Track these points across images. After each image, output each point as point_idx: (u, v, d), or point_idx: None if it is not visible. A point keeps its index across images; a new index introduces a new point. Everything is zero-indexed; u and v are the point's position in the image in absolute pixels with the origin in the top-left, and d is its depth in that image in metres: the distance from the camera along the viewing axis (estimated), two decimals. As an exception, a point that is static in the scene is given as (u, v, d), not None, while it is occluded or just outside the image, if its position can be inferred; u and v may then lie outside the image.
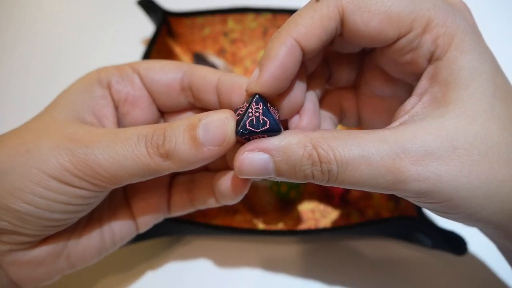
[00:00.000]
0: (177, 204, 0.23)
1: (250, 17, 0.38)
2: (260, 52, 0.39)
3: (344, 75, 0.22)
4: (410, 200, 0.17)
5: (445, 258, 0.28)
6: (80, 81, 0.21)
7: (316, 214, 0.30)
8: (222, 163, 0.22)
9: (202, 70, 0.21)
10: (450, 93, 0.16)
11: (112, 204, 0.22)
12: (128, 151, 0.17)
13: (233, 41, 0.38)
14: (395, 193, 0.16)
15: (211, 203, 0.22)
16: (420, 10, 0.16)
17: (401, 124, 0.16)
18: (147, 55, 0.33)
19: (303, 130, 0.18)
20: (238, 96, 0.19)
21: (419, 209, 0.26)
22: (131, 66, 0.22)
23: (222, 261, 0.29)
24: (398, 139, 0.15)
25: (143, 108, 0.22)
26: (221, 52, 0.39)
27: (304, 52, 0.17)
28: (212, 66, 0.38)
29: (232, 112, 0.18)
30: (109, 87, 0.21)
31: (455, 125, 0.15)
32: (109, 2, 0.51)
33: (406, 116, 0.17)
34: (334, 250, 0.29)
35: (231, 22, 0.38)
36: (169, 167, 0.17)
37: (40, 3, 0.51)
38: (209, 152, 0.17)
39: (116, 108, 0.22)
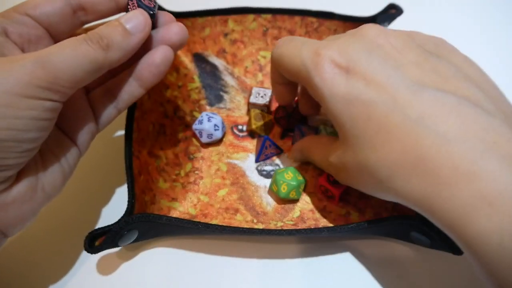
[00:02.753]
0: (103, 113, 0.26)
1: (250, 17, 0.38)
2: (260, 53, 0.39)
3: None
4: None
5: (444, 257, 0.29)
6: None
7: (316, 214, 0.30)
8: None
9: None
10: (335, 125, 0.24)
11: (53, 136, 0.24)
12: (77, 51, 0.20)
13: (233, 42, 0.38)
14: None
15: (136, 92, 0.26)
16: (296, 67, 0.25)
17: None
18: (147, 56, 0.33)
19: None
20: None
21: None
22: (16, 10, 0.23)
23: (222, 261, 0.29)
24: (326, 155, 0.27)
25: (46, 44, 0.24)
26: (221, 53, 0.39)
27: (279, 84, 0.31)
28: (213, 66, 0.39)
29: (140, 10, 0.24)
30: (6, 33, 0.23)
31: (339, 152, 0.24)
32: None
33: None
34: (334, 250, 0.29)
35: (231, 23, 0.38)
36: (111, 57, 0.22)
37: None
38: (137, 38, 0.23)
39: (22, 50, 0.23)
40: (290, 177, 0.30)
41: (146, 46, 0.25)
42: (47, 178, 0.23)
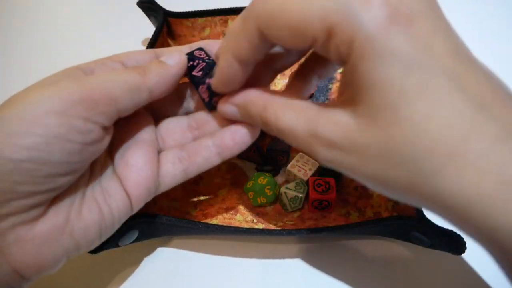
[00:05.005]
0: (168, 173, 0.24)
1: (250, 18, 0.38)
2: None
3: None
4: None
5: (444, 257, 0.29)
6: (60, 73, 0.21)
7: (316, 214, 0.30)
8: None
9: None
10: (357, 95, 0.17)
11: (103, 179, 0.22)
12: (114, 73, 0.21)
13: (233, 42, 0.38)
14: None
15: (212, 159, 0.24)
16: (318, 19, 0.16)
17: (332, 101, 0.19)
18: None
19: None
20: None
21: (418, 209, 0.27)
22: (111, 58, 0.23)
23: (222, 261, 0.29)
24: (316, 122, 0.18)
25: None
26: (221, 53, 0.39)
27: (245, 63, 0.20)
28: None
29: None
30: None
31: (358, 125, 0.17)
32: (109, 3, 0.51)
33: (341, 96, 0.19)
34: (334, 250, 0.29)
35: (231, 23, 0.38)
36: (149, 80, 0.21)
37: (40, 4, 0.51)
38: (173, 68, 0.23)
39: None
40: (251, 184, 0.30)
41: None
42: (80, 224, 0.20)
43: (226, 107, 0.22)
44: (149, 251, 0.29)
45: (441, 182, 0.15)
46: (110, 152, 0.23)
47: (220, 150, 0.23)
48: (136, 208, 0.23)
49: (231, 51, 0.20)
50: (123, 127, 0.23)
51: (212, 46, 0.25)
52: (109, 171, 0.23)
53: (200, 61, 0.24)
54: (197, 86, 0.24)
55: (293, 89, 0.24)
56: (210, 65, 0.23)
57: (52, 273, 0.20)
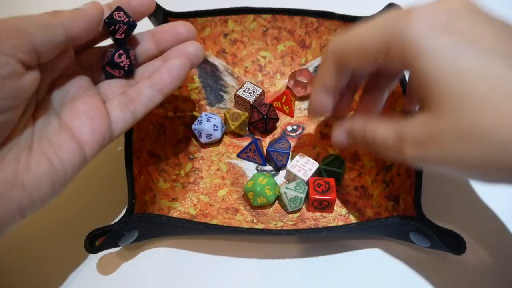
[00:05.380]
0: (120, 118, 0.25)
1: (250, 18, 0.38)
2: (260, 53, 0.39)
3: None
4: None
5: (444, 257, 0.29)
6: None
7: (316, 214, 0.30)
8: None
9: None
10: (423, 93, 0.19)
11: (50, 133, 0.23)
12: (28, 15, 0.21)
13: (233, 42, 0.39)
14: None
15: (155, 96, 0.26)
16: (378, 39, 0.21)
17: (409, 116, 0.21)
18: (147, 56, 0.33)
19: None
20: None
21: (418, 209, 0.27)
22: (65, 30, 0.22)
23: (222, 261, 0.29)
24: (401, 128, 0.21)
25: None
26: (221, 53, 0.39)
27: (333, 90, 0.25)
28: (213, 66, 0.39)
29: None
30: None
31: (431, 118, 0.19)
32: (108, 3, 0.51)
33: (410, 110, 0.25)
34: (334, 250, 0.29)
35: (231, 23, 0.38)
36: (62, 16, 0.22)
37: (40, 3, 0.51)
38: (86, 10, 0.23)
39: None
40: (251, 184, 0.30)
41: (166, 57, 0.27)
42: (30, 177, 0.20)
43: (339, 135, 0.26)
44: (149, 251, 0.29)
45: None
46: (54, 107, 0.24)
47: (160, 87, 0.26)
48: (90, 157, 0.23)
49: (319, 83, 0.25)
50: (65, 84, 0.25)
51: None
52: (55, 125, 0.23)
53: (121, 24, 0.25)
54: (125, 50, 0.26)
55: (371, 104, 0.28)
56: (131, 27, 0.26)
57: (7, 232, 0.20)
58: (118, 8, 0.26)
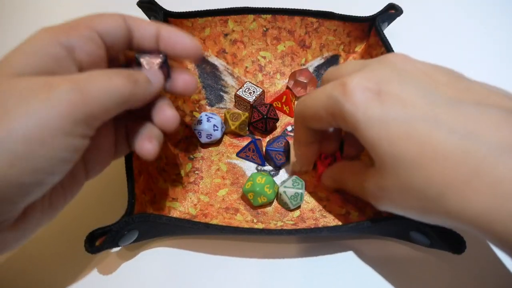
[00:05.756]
0: (121, 149, 0.26)
1: (250, 18, 0.38)
2: (260, 53, 0.39)
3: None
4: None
5: (444, 257, 0.29)
6: (36, 42, 0.20)
7: (315, 213, 0.30)
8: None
9: (142, 22, 0.24)
10: (371, 156, 0.22)
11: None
12: (112, 81, 0.20)
13: (233, 42, 0.39)
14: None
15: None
16: (325, 110, 0.23)
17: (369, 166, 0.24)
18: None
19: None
20: (181, 48, 0.25)
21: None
22: (85, 24, 0.22)
23: (222, 261, 0.29)
24: (362, 183, 0.24)
25: (103, 67, 0.24)
26: (221, 53, 0.39)
27: (306, 145, 0.29)
28: (213, 66, 0.39)
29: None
30: (72, 50, 0.21)
31: (380, 177, 0.22)
32: (109, 3, 0.51)
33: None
34: (334, 250, 0.29)
35: (231, 23, 0.38)
36: (137, 93, 0.22)
37: (40, 3, 0.51)
38: (154, 87, 0.24)
39: (80, 71, 0.22)
40: (250, 184, 0.30)
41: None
42: (46, 204, 0.22)
43: (324, 177, 0.30)
44: (149, 251, 0.29)
45: (444, 203, 0.19)
46: None
47: (159, 126, 0.26)
48: (89, 179, 0.25)
49: (296, 140, 0.29)
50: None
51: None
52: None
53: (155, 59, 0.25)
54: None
55: (352, 148, 0.30)
56: (164, 61, 0.25)
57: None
58: (165, 61, 0.25)
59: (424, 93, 0.21)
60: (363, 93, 0.21)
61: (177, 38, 0.25)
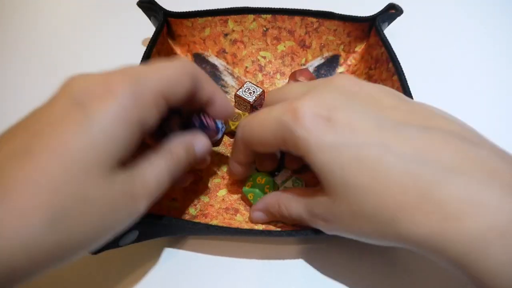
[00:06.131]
0: None
1: (250, 18, 0.38)
2: (260, 53, 0.39)
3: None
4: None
5: (444, 258, 0.29)
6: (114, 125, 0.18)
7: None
8: None
9: (205, 84, 0.24)
10: (321, 181, 0.22)
11: None
12: (166, 169, 0.22)
13: (233, 42, 0.39)
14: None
15: None
16: (274, 135, 0.23)
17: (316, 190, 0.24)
18: (147, 56, 0.33)
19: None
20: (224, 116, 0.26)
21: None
22: (156, 94, 0.20)
23: (222, 261, 0.29)
24: (311, 206, 0.24)
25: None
26: (221, 53, 0.39)
27: (242, 165, 0.29)
28: (213, 66, 0.39)
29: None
30: (143, 125, 0.20)
31: (331, 202, 0.22)
32: (109, 3, 0.51)
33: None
34: (334, 250, 0.29)
35: (231, 23, 0.38)
36: (179, 172, 0.24)
37: (40, 3, 0.51)
38: (199, 161, 0.26)
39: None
40: (250, 185, 0.30)
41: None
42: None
43: (256, 214, 0.28)
44: (149, 251, 0.29)
45: (396, 227, 0.19)
46: None
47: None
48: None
49: (234, 159, 0.28)
50: None
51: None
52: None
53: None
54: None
55: (294, 165, 0.31)
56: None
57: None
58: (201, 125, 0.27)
59: (372, 118, 0.21)
60: (314, 119, 0.21)
61: (227, 108, 0.26)
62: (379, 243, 0.21)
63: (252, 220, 0.29)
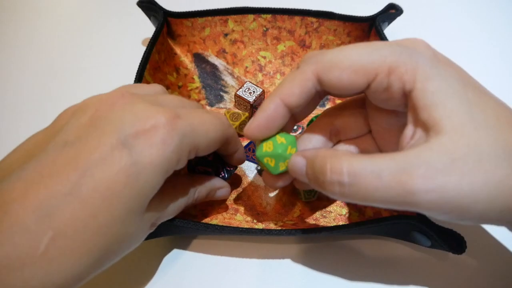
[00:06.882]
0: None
1: (250, 18, 0.38)
2: (260, 53, 0.39)
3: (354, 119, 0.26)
4: (422, 212, 0.18)
5: (444, 257, 0.29)
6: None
7: (316, 214, 0.30)
8: None
9: (232, 141, 0.26)
10: (434, 115, 0.18)
11: None
12: (184, 200, 0.26)
13: (233, 42, 0.39)
14: (405, 207, 0.18)
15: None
16: (380, 58, 0.20)
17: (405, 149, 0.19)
18: (147, 56, 0.33)
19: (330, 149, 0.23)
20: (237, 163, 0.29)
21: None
22: (192, 149, 0.22)
23: (222, 261, 0.29)
24: (405, 158, 0.17)
25: None
26: (221, 53, 0.39)
27: (289, 107, 0.22)
28: (213, 66, 0.39)
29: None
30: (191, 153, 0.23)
31: (449, 140, 0.17)
32: (109, 3, 0.51)
33: (409, 143, 0.19)
34: (334, 250, 0.29)
35: (231, 23, 0.38)
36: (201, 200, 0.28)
37: (40, 3, 0.51)
38: (216, 198, 0.29)
39: None
40: (270, 146, 0.23)
41: None
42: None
43: (298, 158, 0.22)
44: (149, 251, 0.29)
45: None
46: None
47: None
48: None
49: (281, 96, 0.22)
50: None
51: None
52: None
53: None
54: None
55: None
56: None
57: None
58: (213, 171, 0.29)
59: (456, 66, 0.21)
60: (429, 51, 0.21)
61: (243, 160, 0.29)
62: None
63: (291, 161, 0.23)
